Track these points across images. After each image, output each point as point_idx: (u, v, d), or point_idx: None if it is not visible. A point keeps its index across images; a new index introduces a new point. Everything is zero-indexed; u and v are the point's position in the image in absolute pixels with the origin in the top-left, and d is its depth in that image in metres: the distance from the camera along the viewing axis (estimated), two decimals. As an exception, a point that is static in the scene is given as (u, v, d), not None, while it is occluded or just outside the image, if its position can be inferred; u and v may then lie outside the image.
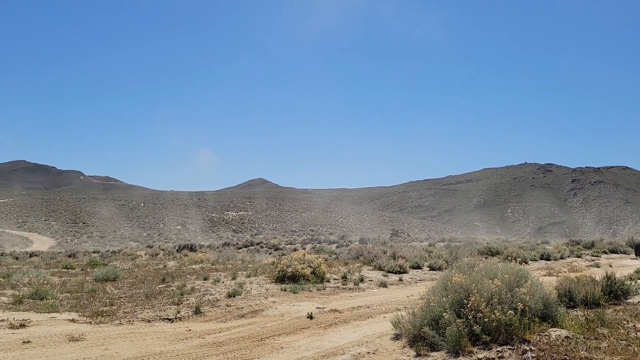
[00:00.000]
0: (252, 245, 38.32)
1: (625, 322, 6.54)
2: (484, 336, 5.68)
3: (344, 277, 13.25)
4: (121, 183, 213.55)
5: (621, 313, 7.31)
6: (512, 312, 5.79)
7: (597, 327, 6.21)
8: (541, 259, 22.35)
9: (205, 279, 12.57)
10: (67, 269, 15.78)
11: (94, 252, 28.94)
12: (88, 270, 15.69)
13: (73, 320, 8.41)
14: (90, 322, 8.33)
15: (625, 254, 27.94)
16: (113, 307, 9.55)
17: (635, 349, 5.26)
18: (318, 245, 36.92)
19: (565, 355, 5.10)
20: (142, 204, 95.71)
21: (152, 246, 37.48)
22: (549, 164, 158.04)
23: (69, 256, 24.31)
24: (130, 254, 28.23)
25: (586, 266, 18.82)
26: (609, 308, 7.86)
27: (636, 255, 26.16)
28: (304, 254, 14.56)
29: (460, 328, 5.65)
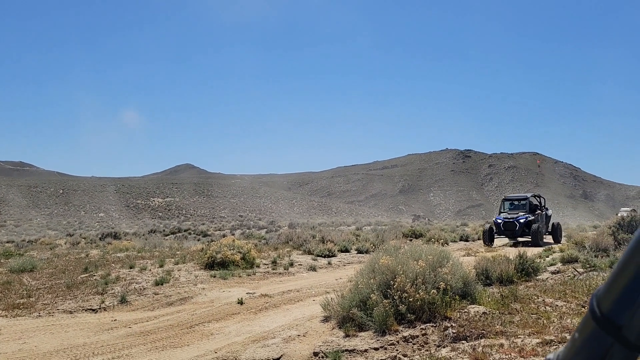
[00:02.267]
0: (179, 232, 37.46)
1: (535, 297, 7.07)
2: (409, 315, 5.95)
3: (274, 262, 13.31)
4: (37, 169, 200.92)
5: (532, 289, 7.90)
6: (435, 291, 6.11)
7: (511, 303, 6.68)
8: (460, 240, 23.59)
9: (131, 268, 12.20)
10: (-23, 260, 14.73)
11: (7, 242, 27.18)
12: (2, 261, 14.76)
13: (-14, 315, 7.92)
14: (6, 316, 7.89)
15: None
16: (31, 299, 9.08)
17: (544, 321, 5.72)
18: (247, 231, 36.73)
19: (483, 329, 5.46)
20: (61, 191, 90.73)
21: (73, 235, 35.72)
22: (468, 149, 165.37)
23: (-21, 247, 22.68)
24: (49, 243, 26.77)
25: (501, 246, 20.00)
26: (521, 284, 8.47)
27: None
28: (234, 240, 14.48)
29: (386, 308, 5.89)
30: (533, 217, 19.43)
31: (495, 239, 19.63)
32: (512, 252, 10.62)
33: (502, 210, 20.88)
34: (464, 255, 14.80)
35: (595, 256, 10.93)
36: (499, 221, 19.54)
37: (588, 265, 10.10)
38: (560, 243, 18.45)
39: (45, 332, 6.93)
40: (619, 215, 30.14)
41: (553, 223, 20.81)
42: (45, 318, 7.80)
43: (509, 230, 19.28)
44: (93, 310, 8.34)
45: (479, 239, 24.01)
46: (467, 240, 23.60)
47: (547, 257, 13.15)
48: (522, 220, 19.20)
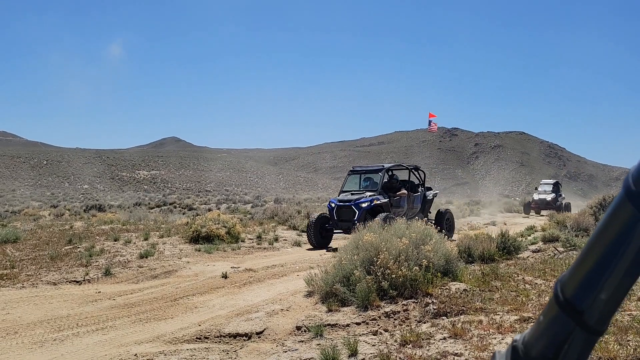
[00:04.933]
0: (165, 205, 37.32)
1: (515, 275, 7.20)
2: (391, 291, 6.04)
3: (259, 237, 13.36)
4: (20, 139, 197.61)
5: (512, 267, 8.05)
6: (417, 268, 6.19)
7: (492, 281, 6.81)
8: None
9: (115, 240, 12.18)
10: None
11: (-12, 213, 26.86)
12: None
13: (-32, 285, 7.88)
14: (-11, 287, 7.85)
15: (518, 212, 30.96)
16: (14, 270, 9.04)
17: (523, 299, 5.84)
18: (233, 205, 36.69)
19: (463, 306, 5.57)
20: (45, 162, 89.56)
21: (57, 206, 35.41)
22: (455, 128, 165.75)
23: (-40, 217, 22.42)
24: (33, 214, 26.53)
25: (484, 224, 20.29)
26: (502, 262, 8.62)
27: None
28: (219, 214, 14.48)
29: (369, 284, 5.97)
30: (385, 201, 12.76)
31: (331, 235, 12.88)
32: (495, 231, 10.77)
33: (344, 189, 13.82)
34: (448, 233, 14.96)
35: (576, 236, 11.12)
36: (332, 205, 12.83)
37: (568, 245, 10.28)
38: (451, 239, 12.19)
39: (29, 303, 6.92)
40: (539, 189, 30.09)
41: (440, 210, 14.50)
42: (29, 289, 7.79)
43: (345, 220, 12.44)
44: (77, 282, 8.34)
45: (463, 217, 24.27)
46: (451, 218, 23.84)
47: (529, 235, 13.37)
48: (364, 205, 12.35)
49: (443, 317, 5.34)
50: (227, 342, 5.26)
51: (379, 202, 12.57)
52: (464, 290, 6.24)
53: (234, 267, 9.33)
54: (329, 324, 5.45)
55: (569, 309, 0.56)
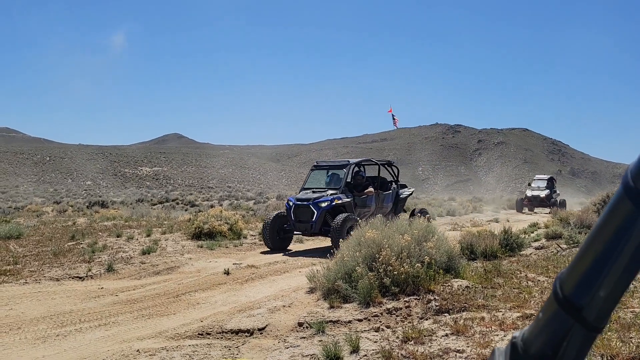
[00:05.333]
0: (167, 201, 37.38)
1: (518, 272, 7.19)
2: (393, 288, 6.04)
3: (261, 233, 13.36)
4: (23, 135, 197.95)
5: (515, 264, 8.03)
6: (419, 265, 6.19)
7: (494, 277, 6.79)
8: (447, 214, 23.79)
9: (118, 236, 12.21)
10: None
11: (-8, 209, 26.97)
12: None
13: (-28, 281, 7.91)
14: (-8, 282, 7.88)
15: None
16: (18, 265, 9.07)
17: (526, 296, 5.83)
18: (235, 201, 36.74)
19: (465, 303, 5.56)
20: (48, 158, 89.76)
21: (60, 202, 35.50)
22: (458, 124, 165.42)
23: (-36, 213, 22.51)
24: (36, 210, 26.61)
25: (487, 221, 20.24)
26: (505, 259, 8.60)
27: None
28: (221, 211, 14.49)
29: (371, 281, 5.96)
30: (348, 200, 11.38)
31: (290, 237, 11.79)
32: (498, 228, 10.76)
33: (306, 186, 12.33)
34: (450, 230, 14.98)
35: (579, 232, 11.10)
36: (290, 204, 11.47)
37: (572, 242, 10.26)
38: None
39: (32, 299, 6.94)
40: (532, 185, 28.61)
41: (414, 210, 13.34)
42: (32, 285, 7.81)
43: (302, 220, 11.16)
44: (80, 278, 8.36)
45: (465, 214, 24.27)
46: (453, 215, 23.83)
47: (532, 232, 13.36)
48: (323, 205, 11.01)
49: (445, 314, 5.33)
50: (229, 338, 5.26)
51: (340, 201, 11.19)
52: (466, 287, 6.23)
53: (236, 264, 9.34)
54: (330, 321, 5.45)
55: (568, 306, 0.55)
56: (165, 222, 16.02)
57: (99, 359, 4.71)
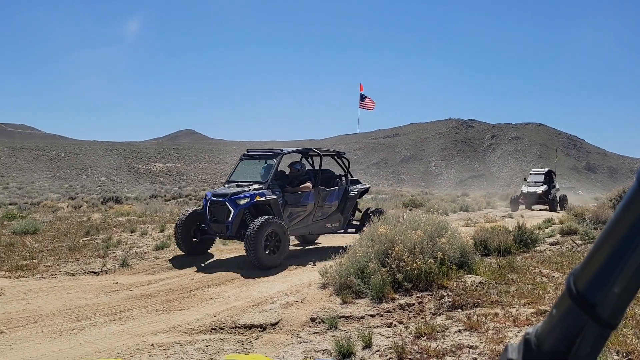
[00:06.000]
0: (180, 197, 37.62)
1: (532, 268, 7.13)
2: (405, 283, 6.02)
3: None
4: (39, 132, 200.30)
5: (529, 260, 7.96)
6: (432, 260, 6.16)
7: (508, 273, 6.75)
8: (460, 210, 23.64)
9: (132, 232, 12.30)
10: (-20, 222, 14.82)
11: (10, 204, 27.33)
12: (5, 223, 14.86)
13: (-11, 276, 8.03)
14: (9, 277, 8.00)
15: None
16: (34, 260, 9.19)
17: (540, 292, 5.78)
18: (248, 197, 36.78)
19: (478, 299, 5.53)
20: (63, 154, 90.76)
21: (75, 198, 35.89)
22: (472, 119, 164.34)
23: (-18, 209, 22.81)
24: (51, 206, 26.90)
25: (500, 217, 20.10)
26: (519, 255, 8.53)
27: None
28: (234, 206, 14.49)
29: (384, 276, 5.96)
30: (273, 197, 9.27)
31: (211, 239, 9.98)
32: (512, 223, 10.67)
33: (231, 179, 10.44)
34: (463, 226, 14.89)
35: (594, 228, 10.97)
36: (207, 200, 9.50)
37: (587, 238, 10.15)
38: None
39: (47, 294, 7.04)
40: (528, 179, 25.42)
41: (368, 210, 11.26)
42: (48, 280, 7.91)
43: (218, 220, 9.22)
44: (95, 273, 8.45)
45: (479, 209, 24.10)
46: (467, 211, 23.67)
47: (547, 228, 13.24)
48: (242, 202, 9.05)
49: (458, 310, 5.31)
50: (242, 333, 5.29)
51: (264, 198, 9.07)
52: (480, 282, 6.20)
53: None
54: (343, 316, 5.45)
55: (582, 302, 0.55)
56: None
57: (114, 353, 4.76)
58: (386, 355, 4.32)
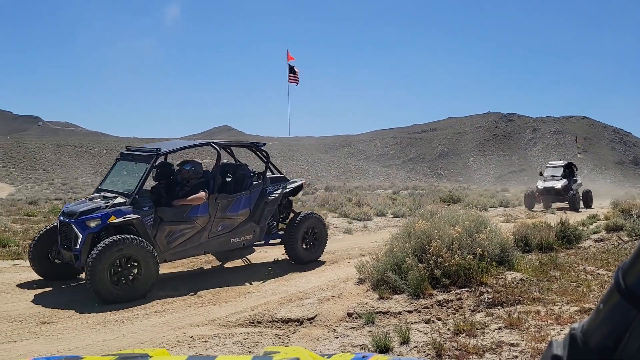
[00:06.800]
0: (218, 192, 38.10)
1: (576, 265, 6.93)
2: (444, 279, 5.95)
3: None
4: (82, 129, 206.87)
5: (573, 257, 7.74)
6: (471, 256, 6.06)
7: (550, 270, 6.57)
8: (500, 206, 23.14)
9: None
10: (29, 216, 15.44)
11: (55, 199, 28.33)
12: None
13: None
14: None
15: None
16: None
17: (584, 289, 5.61)
18: (284, 192, 36.99)
19: (519, 296, 5.41)
20: (105, 151, 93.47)
21: (116, 194, 36.87)
22: (512, 113, 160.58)
23: (30, 203, 23.66)
24: (94, 201, 27.71)
25: (542, 212, 19.60)
26: (561, 252, 8.30)
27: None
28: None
29: (421, 272, 5.89)
30: (136, 217, 6.73)
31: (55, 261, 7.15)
32: (554, 219, 10.39)
33: (101, 186, 7.81)
34: (503, 222, 14.59)
35: (642, 224, 10.56)
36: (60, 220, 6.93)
37: (634, 234, 9.79)
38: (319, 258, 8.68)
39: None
40: (545, 174, 21.76)
41: (298, 215, 8.60)
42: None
43: (67, 245, 6.70)
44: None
45: (520, 205, 23.55)
46: (507, 207, 23.16)
47: (591, 224, 12.84)
48: (93, 224, 6.54)
49: (498, 307, 5.21)
50: (280, 327, 5.33)
51: (121, 218, 6.62)
52: (521, 279, 6.06)
53: (285, 254, 9.42)
54: (380, 312, 5.43)
55: (631, 297, 0.53)
56: (217, 213, 16.34)
57: (156, 344, 4.88)
58: (424, 352, 4.28)
